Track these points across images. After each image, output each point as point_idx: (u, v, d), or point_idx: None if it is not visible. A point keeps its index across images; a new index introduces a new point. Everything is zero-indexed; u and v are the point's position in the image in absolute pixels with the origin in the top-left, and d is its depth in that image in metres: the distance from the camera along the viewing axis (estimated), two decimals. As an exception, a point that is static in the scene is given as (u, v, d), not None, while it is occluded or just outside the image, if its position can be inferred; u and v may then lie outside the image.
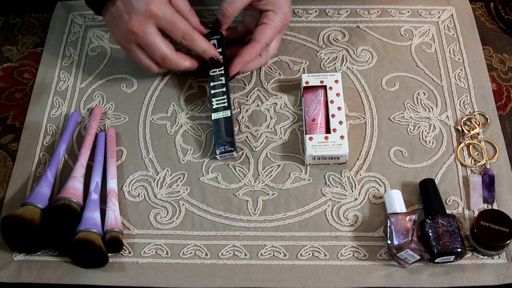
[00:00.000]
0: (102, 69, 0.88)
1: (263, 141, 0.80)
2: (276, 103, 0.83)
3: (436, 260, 0.69)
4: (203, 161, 0.79)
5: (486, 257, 0.70)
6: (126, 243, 0.73)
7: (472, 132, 0.79)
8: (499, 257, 0.70)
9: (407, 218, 0.69)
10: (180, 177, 0.78)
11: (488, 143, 0.78)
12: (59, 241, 0.71)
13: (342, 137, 0.76)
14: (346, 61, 0.86)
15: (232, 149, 0.77)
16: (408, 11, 0.91)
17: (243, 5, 0.78)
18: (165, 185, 0.78)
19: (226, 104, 0.79)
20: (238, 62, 0.79)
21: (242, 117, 0.82)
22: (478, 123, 0.79)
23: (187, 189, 0.77)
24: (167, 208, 0.76)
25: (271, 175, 0.78)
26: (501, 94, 0.83)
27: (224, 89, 0.80)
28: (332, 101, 0.79)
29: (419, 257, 0.68)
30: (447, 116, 0.81)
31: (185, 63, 0.79)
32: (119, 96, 0.85)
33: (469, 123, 0.80)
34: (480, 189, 0.74)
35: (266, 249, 0.73)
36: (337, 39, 0.89)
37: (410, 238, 0.67)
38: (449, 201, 0.74)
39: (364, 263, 0.71)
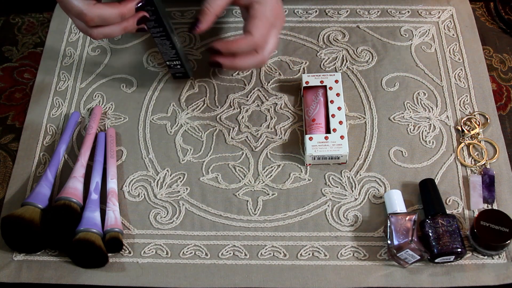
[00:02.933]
0: (102, 69, 0.88)
1: (263, 141, 0.80)
2: (276, 103, 0.83)
3: (436, 260, 0.69)
4: (203, 161, 0.79)
5: (486, 257, 0.70)
6: (126, 243, 0.73)
7: (472, 132, 0.79)
8: (499, 257, 0.70)
9: (407, 218, 0.69)
10: (180, 177, 0.78)
11: (488, 143, 0.78)
12: (59, 241, 0.71)
13: (342, 137, 0.76)
14: (346, 61, 0.86)
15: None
16: (408, 11, 0.91)
17: (224, 3, 0.71)
18: (165, 185, 0.78)
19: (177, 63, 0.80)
20: (224, 44, 0.71)
21: (242, 117, 0.82)
22: (478, 123, 0.79)
23: (187, 189, 0.77)
24: (167, 208, 0.76)
25: (271, 175, 0.78)
26: (501, 94, 0.83)
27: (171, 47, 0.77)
28: (332, 101, 0.79)
29: (419, 257, 0.68)
30: (447, 116, 0.81)
31: (107, 10, 0.66)
32: (119, 96, 0.86)
33: (469, 123, 0.80)
34: (480, 189, 0.74)
35: (266, 249, 0.73)
36: (337, 39, 0.89)
37: (410, 238, 0.67)
38: (449, 201, 0.74)
39: (364, 263, 0.71)
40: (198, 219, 0.75)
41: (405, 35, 0.88)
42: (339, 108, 0.79)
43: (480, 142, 0.78)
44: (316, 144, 0.76)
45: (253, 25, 0.71)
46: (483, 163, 0.77)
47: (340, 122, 0.77)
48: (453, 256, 0.68)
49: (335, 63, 0.87)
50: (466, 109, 0.81)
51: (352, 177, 0.77)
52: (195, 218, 0.75)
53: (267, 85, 0.85)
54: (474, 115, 0.80)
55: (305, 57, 0.87)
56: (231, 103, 0.84)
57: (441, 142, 0.79)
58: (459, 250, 0.67)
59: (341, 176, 0.77)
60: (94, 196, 0.75)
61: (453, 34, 0.88)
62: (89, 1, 0.67)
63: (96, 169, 0.77)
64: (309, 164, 0.78)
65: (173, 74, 0.84)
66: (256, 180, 0.77)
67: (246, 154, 0.80)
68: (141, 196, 0.77)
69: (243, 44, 0.71)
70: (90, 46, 0.91)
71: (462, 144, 0.78)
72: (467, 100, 0.82)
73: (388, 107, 0.82)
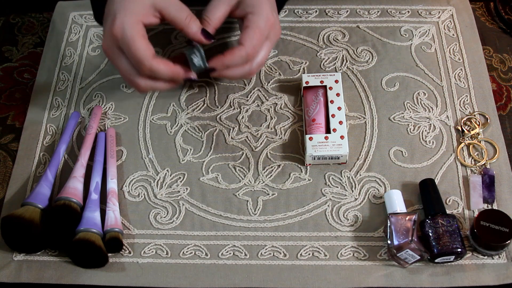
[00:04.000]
0: (102, 69, 0.88)
1: (263, 141, 0.80)
2: (276, 103, 0.84)
3: (436, 260, 0.69)
4: (203, 161, 0.79)
5: (486, 257, 0.70)
6: (126, 243, 0.73)
7: (472, 132, 0.79)
8: (499, 257, 0.70)
9: (407, 218, 0.69)
10: (180, 177, 0.78)
11: (488, 143, 0.78)
12: (59, 241, 0.71)
13: (342, 137, 0.76)
14: (346, 61, 0.86)
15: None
16: (408, 11, 0.91)
17: (223, 14, 0.72)
18: (165, 185, 0.78)
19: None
20: (218, 60, 0.72)
21: (242, 117, 0.82)
22: (478, 123, 0.79)
23: (187, 189, 0.77)
24: (167, 208, 0.76)
25: (271, 175, 0.78)
26: (501, 94, 0.83)
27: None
28: (332, 101, 0.79)
29: (419, 257, 0.68)
30: (447, 116, 0.81)
31: (163, 69, 0.69)
32: (119, 96, 0.85)
33: (469, 123, 0.80)
34: (480, 189, 0.74)
35: (266, 249, 0.73)
36: (337, 39, 0.89)
37: (410, 238, 0.67)
38: (449, 201, 0.74)
39: (364, 263, 0.71)
40: (198, 219, 0.75)
41: (405, 35, 0.88)
42: (339, 108, 0.79)
43: (480, 142, 0.78)
44: (316, 144, 0.76)
45: (246, 35, 0.72)
46: (483, 163, 0.77)
47: (340, 122, 0.77)
48: (453, 256, 0.68)
49: (335, 63, 0.87)
50: (466, 109, 0.81)
51: (352, 177, 0.77)
52: (195, 218, 0.75)
53: (267, 85, 0.85)
54: (474, 115, 0.80)
55: (305, 57, 0.87)
56: (231, 103, 0.84)
57: (441, 142, 0.79)
58: (459, 250, 0.67)
59: (341, 176, 0.77)
60: (94, 196, 0.75)
61: (453, 34, 0.88)
62: (149, 52, 0.68)
63: (96, 169, 0.77)
64: (309, 164, 0.78)
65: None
66: (256, 180, 0.77)
67: (246, 154, 0.80)
68: (141, 196, 0.77)
69: (235, 57, 0.72)
70: (90, 46, 0.91)
71: (462, 144, 0.78)
72: (467, 100, 0.82)
73: (388, 107, 0.82)
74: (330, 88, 0.80)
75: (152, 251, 0.73)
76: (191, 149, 0.80)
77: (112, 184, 0.76)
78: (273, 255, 0.72)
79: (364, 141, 0.80)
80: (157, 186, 0.78)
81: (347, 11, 0.91)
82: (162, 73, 0.69)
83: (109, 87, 0.86)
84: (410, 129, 0.80)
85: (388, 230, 0.69)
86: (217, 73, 0.73)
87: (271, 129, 0.81)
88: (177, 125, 0.82)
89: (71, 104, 0.85)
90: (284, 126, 0.81)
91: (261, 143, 0.80)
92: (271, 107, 0.83)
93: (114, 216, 0.73)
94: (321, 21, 0.91)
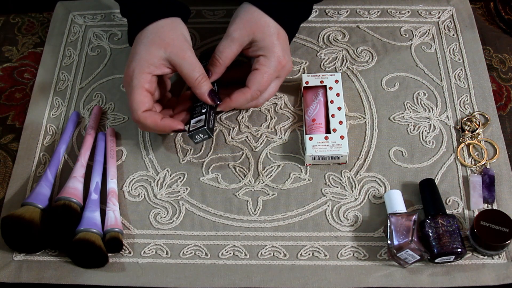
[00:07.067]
0: (102, 69, 0.88)
1: (263, 141, 0.80)
2: (276, 103, 0.84)
3: (436, 260, 0.69)
4: (203, 161, 0.79)
5: (486, 257, 0.70)
6: (126, 243, 0.73)
7: (472, 132, 0.79)
8: (499, 257, 0.70)
9: (407, 218, 0.69)
10: (180, 177, 0.78)
11: (488, 143, 0.78)
12: (59, 241, 0.71)
13: (342, 137, 0.76)
14: (346, 61, 0.86)
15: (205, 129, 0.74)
16: (408, 11, 0.91)
17: (233, 54, 0.74)
18: (165, 185, 0.78)
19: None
20: (225, 104, 0.75)
21: (242, 117, 0.82)
22: (478, 123, 0.79)
23: (187, 189, 0.77)
24: (167, 208, 0.76)
25: (271, 175, 0.78)
26: (501, 94, 0.83)
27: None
28: (332, 101, 0.79)
29: (419, 257, 0.68)
30: (447, 116, 0.81)
31: (149, 123, 0.72)
32: (119, 96, 0.85)
33: (469, 123, 0.80)
34: (480, 189, 0.74)
35: (266, 249, 0.73)
36: (337, 39, 0.89)
37: (410, 238, 0.67)
38: (449, 201, 0.74)
39: (364, 263, 0.71)
40: (198, 219, 0.75)
41: (405, 35, 0.88)
42: (339, 108, 0.79)
43: (480, 142, 0.78)
44: (316, 144, 0.76)
45: (253, 79, 0.75)
46: (483, 163, 0.77)
47: (340, 122, 0.77)
48: (453, 256, 0.68)
49: (335, 63, 0.87)
50: (466, 109, 0.81)
51: (352, 177, 0.77)
52: (195, 218, 0.75)
53: (267, 85, 0.85)
54: (474, 115, 0.80)
55: (305, 57, 0.87)
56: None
57: (441, 142, 0.79)
58: (459, 250, 0.67)
59: (341, 176, 0.77)
60: (94, 196, 0.75)
61: (453, 34, 0.88)
62: (142, 105, 0.72)
63: (96, 169, 0.77)
64: (309, 164, 0.78)
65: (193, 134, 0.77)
66: (256, 180, 0.77)
67: (246, 154, 0.80)
68: (141, 196, 0.77)
69: (240, 100, 0.75)
70: (90, 46, 0.91)
71: (462, 144, 0.78)
72: (467, 100, 0.82)
73: (388, 107, 0.82)
74: (330, 88, 0.80)
75: (152, 251, 0.73)
76: (191, 149, 0.80)
77: (112, 184, 0.76)
78: (273, 255, 0.72)
79: (364, 141, 0.80)
80: (157, 186, 0.78)
81: (347, 11, 0.91)
82: (148, 126, 0.73)
83: (109, 87, 0.87)
84: (410, 129, 0.80)
85: (388, 230, 0.69)
86: (223, 107, 0.76)
87: (271, 129, 0.81)
88: (177, 125, 0.82)
89: (71, 104, 0.85)
90: (284, 126, 0.81)
91: (261, 143, 0.80)
92: (271, 107, 0.83)
93: (114, 216, 0.73)
94: (321, 21, 0.91)
